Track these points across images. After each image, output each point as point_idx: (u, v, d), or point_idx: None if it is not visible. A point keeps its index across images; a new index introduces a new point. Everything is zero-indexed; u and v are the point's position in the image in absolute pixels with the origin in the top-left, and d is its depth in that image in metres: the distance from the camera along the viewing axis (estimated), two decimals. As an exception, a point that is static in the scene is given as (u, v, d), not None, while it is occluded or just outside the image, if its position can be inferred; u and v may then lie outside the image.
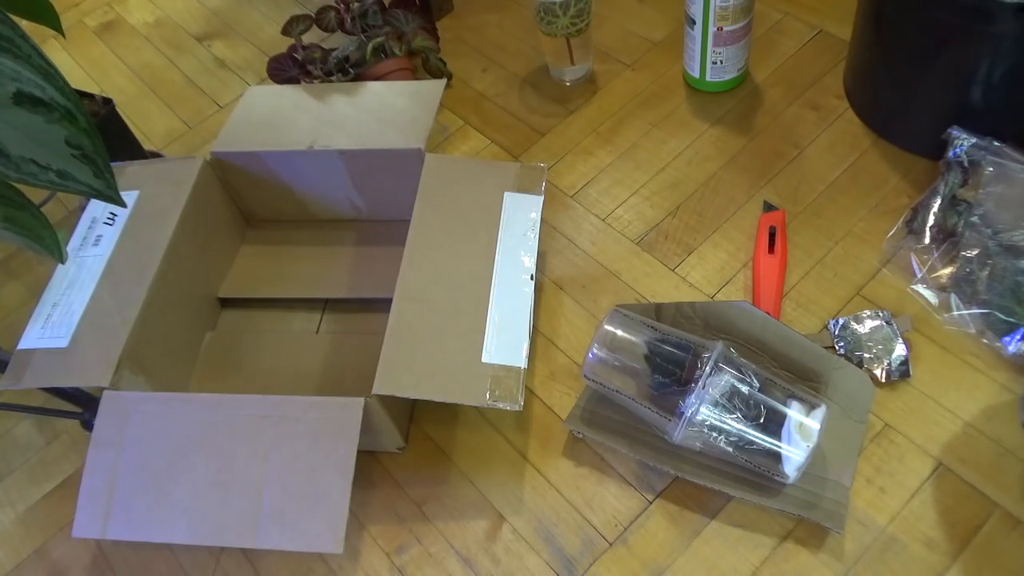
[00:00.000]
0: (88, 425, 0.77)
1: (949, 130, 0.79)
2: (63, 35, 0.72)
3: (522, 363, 0.66)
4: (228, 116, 0.87)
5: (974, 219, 0.76)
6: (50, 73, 0.51)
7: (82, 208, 0.80)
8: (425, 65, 1.04)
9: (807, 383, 0.70)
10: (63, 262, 0.62)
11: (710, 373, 0.64)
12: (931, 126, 0.81)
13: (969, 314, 0.74)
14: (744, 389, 0.64)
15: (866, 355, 0.73)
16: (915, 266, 0.79)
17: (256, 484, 0.62)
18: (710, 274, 0.83)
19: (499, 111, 1.02)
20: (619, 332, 0.69)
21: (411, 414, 0.78)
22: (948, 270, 0.77)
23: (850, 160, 0.88)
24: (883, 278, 0.79)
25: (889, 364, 0.72)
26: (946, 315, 0.75)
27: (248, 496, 0.62)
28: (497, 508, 0.72)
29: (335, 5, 1.01)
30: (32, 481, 0.81)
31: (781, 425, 0.63)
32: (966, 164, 0.78)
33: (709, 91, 0.97)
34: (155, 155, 1.04)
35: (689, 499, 0.70)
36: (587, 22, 0.95)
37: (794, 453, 0.63)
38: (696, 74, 0.96)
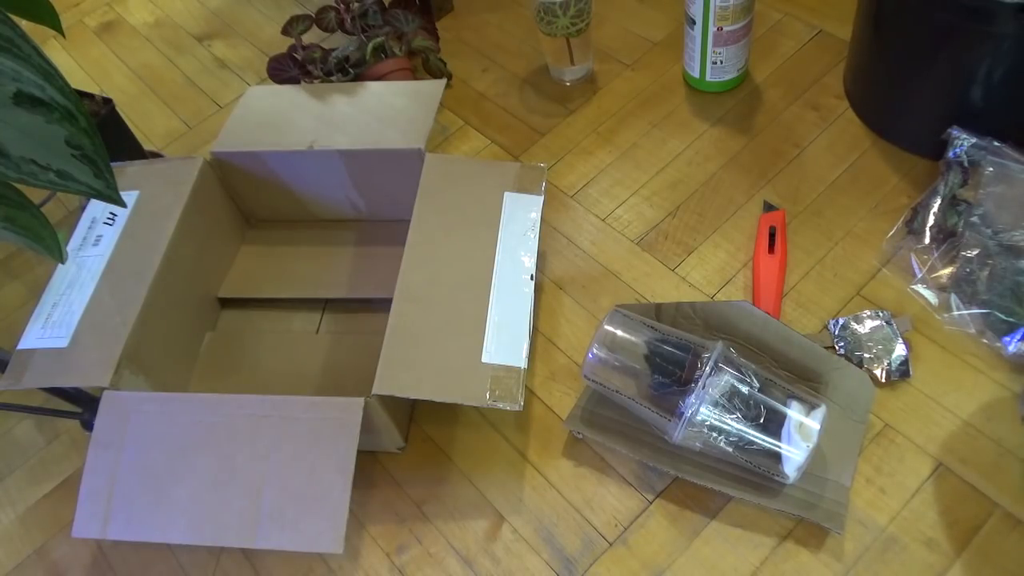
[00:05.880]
0: (88, 425, 0.77)
1: (949, 130, 0.79)
2: (63, 35, 0.72)
3: (522, 363, 0.66)
4: (228, 116, 0.87)
5: (974, 219, 0.76)
6: (50, 73, 0.51)
7: (82, 208, 0.80)
8: (425, 65, 1.04)
9: (807, 383, 0.70)
10: (63, 262, 0.62)
11: (710, 373, 0.64)
12: (931, 126, 0.81)
13: (969, 314, 0.74)
14: (744, 389, 0.64)
15: (866, 355, 0.73)
16: (915, 266, 0.79)
17: (256, 484, 0.62)
18: (710, 274, 0.83)
19: (499, 111, 1.02)
20: (619, 332, 0.69)
21: (411, 414, 0.78)
22: (948, 270, 0.77)
23: (850, 160, 0.88)
24: (883, 278, 0.79)
25: (889, 364, 0.72)
26: (946, 315, 0.75)
27: (248, 496, 0.62)
28: (497, 508, 0.72)
29: (335, 5, 1.01)
30: (32, 481, 0.81)
31: (781, 425, 0.63)
32: (966, 164, 0.78)
33: (709, 91, 0.97)
34: (155, 155, 1.04)
35: (689, 499, 0.70)
36: (587, 22, 0.95)
37: (794, 453, 0.63)
38: (696, 74, 0.96)
